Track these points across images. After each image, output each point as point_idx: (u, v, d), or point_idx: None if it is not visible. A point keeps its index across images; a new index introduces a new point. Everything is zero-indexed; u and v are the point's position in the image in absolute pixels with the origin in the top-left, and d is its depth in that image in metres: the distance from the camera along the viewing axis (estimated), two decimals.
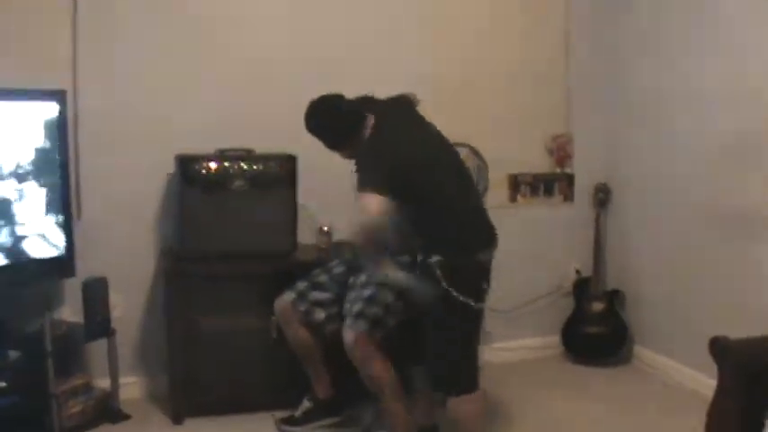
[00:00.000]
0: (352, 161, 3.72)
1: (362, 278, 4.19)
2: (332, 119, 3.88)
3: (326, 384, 4.47)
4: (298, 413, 4.48)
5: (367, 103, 3.90)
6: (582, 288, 5.72)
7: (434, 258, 3.58)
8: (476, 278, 3.67)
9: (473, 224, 3.76)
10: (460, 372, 3.72)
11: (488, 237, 3.76)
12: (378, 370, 3.96)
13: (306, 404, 4.49)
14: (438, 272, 3.56)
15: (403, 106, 3.92)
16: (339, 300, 4.25)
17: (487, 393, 4.02)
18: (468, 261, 3.65)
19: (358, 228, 3.66)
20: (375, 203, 3.49)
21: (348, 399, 4.50)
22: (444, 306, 3.58)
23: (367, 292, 4.09)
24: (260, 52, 4.95)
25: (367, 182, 3.54)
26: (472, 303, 3.59)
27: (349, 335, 3.96)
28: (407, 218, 3.75)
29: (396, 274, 3.73)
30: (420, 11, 5.29)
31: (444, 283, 3.54)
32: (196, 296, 4.52)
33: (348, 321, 4.02)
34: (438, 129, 3.91)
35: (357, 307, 4.05)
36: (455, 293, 3.54)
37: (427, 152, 3.77)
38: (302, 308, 4.30)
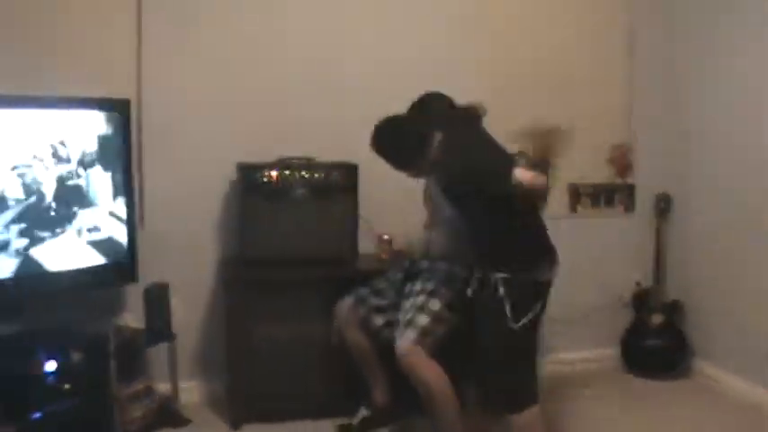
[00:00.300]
0: (420, 179, 3.83)
1: (417, 286, 4.21)
2: (397, 141, 3.90)
3: (384, 390, 4.48)
4: (355, 421, 4.50)
5: (434, 116, 3.91)
6: (642, 299, 5.67)
7: (499, 275, 3.58)
8: (536, 297, 3.66)
9: (539, 242, 3.76)
10: (517, 387, 3.70)
11: (550, 254, 3.75)
12: (427, 379, 3.93)
13: (363, 412, 4.51)
14: (502, 289, 3.57)
15: (470, 120, 3.92)
16: (397, 306, 4.25)
17: (545, 407, 3.99)
18: (531, 278, 3.64)
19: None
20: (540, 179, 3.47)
21: (406, 407, 4.47)
22: (499, 322, 3.58)
23: (419, 300, 4.11)
24: (322, 61, 5.00)
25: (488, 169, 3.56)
26: (526, 327, 3.60)
27: (399, 344, 3.97)
28: (474, 227, 3.77)
29: None
30: (480, 12, 5.31)
31: (507, 303, 3.54)
32: (255, 303, 4.55)
33: (399, 330, 4.03)
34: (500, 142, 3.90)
35: (408, 316, 4.06)
36: (513, 314, 3.55)
37: (497, 163, 3.73)
38: (362, 312, 4.34)
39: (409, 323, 4.02)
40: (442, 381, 3.95)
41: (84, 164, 4.20)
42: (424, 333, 3.99)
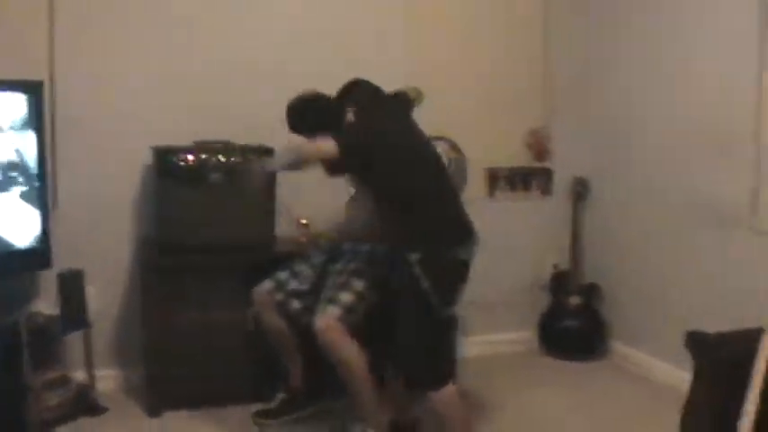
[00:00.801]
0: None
1: (339, 266, 4.23)
2: (309, 116, 3.92)
3: (301, 375, 4.46)
4: (273, 405, 4.48)
5: (351, 94, 3.93)
6: (559, 282, 5.75)
7: (414, 255, 3.58)
8: (454, 276, 3.71)
9: (453, 219, 3.78)
10: (437, 365, 3.73)
11: (467, 233, 3.77)
12: (347, 356, 3.93)
13: (281, 396, 4.49)
14: (417, 269, 3.57)
15: (391, 103, 3.96)
16: (316, 291, 4.23)
17: (464, 387, 4.03)
18: (447, 257, 3.66)
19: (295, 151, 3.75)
20: (329, 145, 3.56)
21: (324, 391, 4.48)
22: (417, 302, 3.60)
23: (341, 279, 4.13)
24: (239, 46, 4.97)
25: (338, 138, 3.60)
26: (445, 307, 3.65)
27: (319, 320, 3.95)
28: (385, 206, 3.80)
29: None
30: (397, 4, 5.32)
31: (424, 283, 3.56)
32: (173, 289, 4.53)
33: (319, 307, 4.03)
34: (418, 126, 3.93)
35: (330, 293, 4.07)
36: (431, 294, 3.57)
37: (407, 141, 3.81)
38: (279, 297, 4.30)
39: (331, 300, 4.02)
40: (360, 359, 3.96)
41: None
42: (346, 310, 4.00)
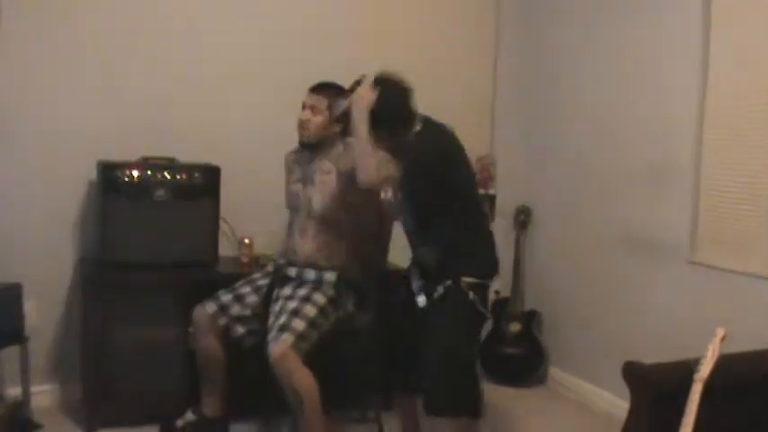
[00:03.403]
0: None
1: (287, 291, 4.18)
2: (401, 101, 3.75)
3: (219, 404, 4.38)
4: (179, 423, 4.39)
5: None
6: (500, 308, 5.71)
7: (467, 280, 3.60)
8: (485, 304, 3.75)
9: (494, 248, 3.87)
10: (468, 393, 3.69)
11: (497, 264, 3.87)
12: (301, 384, 3.90)
13: (189, 416, 4.39)
14: (471, 294, 3.60)
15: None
16: (261, 314, 4.21)
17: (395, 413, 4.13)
18: (488, 284, 3.74)
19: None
20: (383, 164, 3.50)
21: (237, 417, 4.50)
22: (466, 323, 3.64)
23: (292, 305, 4.07)
24: (187, 61, 4.96)
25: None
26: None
27: (274, 347, 3.89)
28: (440, 225, 3.74)
29: None
30: (343, 29, 5.33)
31: (479, 306, 3.61)
32: (113, 305, 4.47)
33: (272, 334, 3.96)
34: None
35: (282, 320, 4.00)
36: (483, 311, 3.65)
37: (467, 164, 3.85)
38: (222, 322, 4.25)
39: (284, 327, 3.96)
40: (313, 388, 3.93)
41: None
42: (300, 338, 3.95)
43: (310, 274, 4.23)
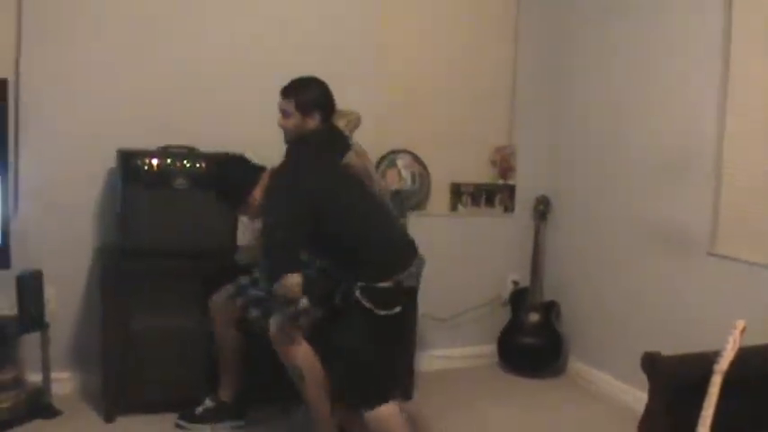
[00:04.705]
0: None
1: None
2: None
3: (235, 388, 4.47)
4: (198, 410, 4.44)
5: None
6: (519, 299, 5.76)
7: (357, 284, 3.69)
8: (396, 298, 3.76)
9: (390, 249, 3.88)
10: (369, 382, 3.78)
11: (407, 258, 3.86)
12: (301, 359, 3.92)
13: (208, 403, 4.46)
14: (357, 293, 3.67)
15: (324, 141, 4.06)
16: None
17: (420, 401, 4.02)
18: (389, 284, 3.73)
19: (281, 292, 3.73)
20: (296, 284, 3.65)
21: (254, 403, 4.55)
22: (353, 314, 3.71)
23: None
24: (206, 50, 4.94)
25: (281, 255, 3.72)
26: (380, 311, 3.70)
27: (273, 322, 3.94)
28: (326, 255, 3.95)
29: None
30: (365, 18, 5.32)
31: (366, 303, 3.67)
32: (133, 293, 4.48)
33: (272, 315, 4.01)
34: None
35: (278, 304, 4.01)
36: (368, 305, 3.67)
37: (331, 184, 3.89)
38: (239, 303, 4.29)
39: (279, 309, 3.95)
40: (313, 364, 3.94)
41: None
42: (292, 318, 3.92)
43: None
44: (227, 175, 4.12)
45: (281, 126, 4.09)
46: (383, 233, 3.93)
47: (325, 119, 4.06)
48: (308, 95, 4.04)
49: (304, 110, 4.01)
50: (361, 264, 3.77)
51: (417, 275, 3.87)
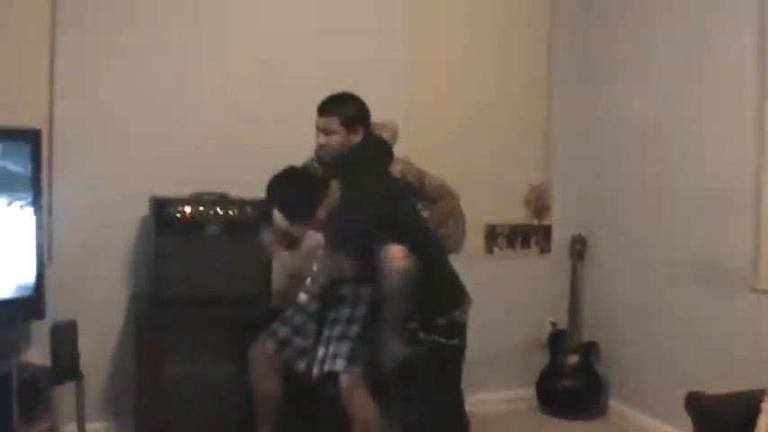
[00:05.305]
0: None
1: (345, 312, 4.10)
2: (290, 190, 3.99)
3: None
4: None
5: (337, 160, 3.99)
6: (557, 340, 5.71)
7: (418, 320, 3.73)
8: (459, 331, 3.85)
9: (455, 281, 3.90)
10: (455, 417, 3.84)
11: (464, 291, 3.90)
12: (372, 417, 3.86)
13: None
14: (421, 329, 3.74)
15: (374, 162, 4.01)
16: (318, 343, 4.11)
17: None
18: (445, 319, 3.78)
19: (391, 286, 3.63)
20: (401, 253, 3.56)
21: None
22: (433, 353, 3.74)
23: (354, 330, 4.01)
24: (236, 96, 4.96)
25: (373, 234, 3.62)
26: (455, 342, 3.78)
27: (345, 380, 3.85)
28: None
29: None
30: (393, 53, 5.32)
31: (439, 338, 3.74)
32: (167, 342, 4.47)
33: (340, 365, 3.89)
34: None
35: (346, 347, 3.94)
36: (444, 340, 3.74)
37: (402, 209, 3.89)
38: (285, 356, 4.18)
39: (352, 357, 3.90)
40: (378, 420, 3.88)
41: None
42: (368, 365, 3.89)
43: (364, 291, 4.08)
44: (295, 188, 4.04)
45: (323, 144, 4.02)
46: (446, 261, 3.93)
47: (367, 132, 4.03)
48: (350, 110, 4.01)
49: (348, 125, 3.98)
50: (426, 293, 3.71)
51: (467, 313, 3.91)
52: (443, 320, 3.75)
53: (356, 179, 3.87)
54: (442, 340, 3.71)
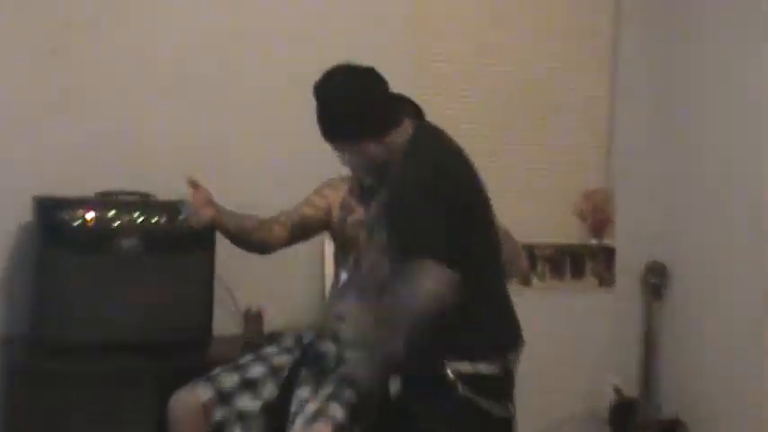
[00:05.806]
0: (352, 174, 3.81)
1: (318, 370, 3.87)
2: (364, 98, 3.54)
3: None
4: None
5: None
6: (624, 415, 5.28)
7: (454, 368, 3.40)
8: (504, 390, 3.57)
9: (509, 310, 3.67)
10: None
11: (519, 335, 3.68)
12: None
13: None
14: (460, 387, 3.39)
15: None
16: (280, 404, 3.84)
17: None
18: (497, 367, 3.50)
19: (408, 315, 3.32)
20: (441, 279, 3.21)
21: None
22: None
23: (326, 388, 3.80)
24: (171, 66, 4.73)
25: (421, 242, 3.27)
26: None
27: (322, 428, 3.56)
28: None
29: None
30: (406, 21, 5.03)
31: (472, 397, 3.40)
32: (54, 403, 4.07)
33: (301, 422, 3.66)
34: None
35: (315, 405, 3.72)
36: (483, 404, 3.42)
37: (480, 194, 3.58)
38: (218, 416, 3.79)
39: (319, 413, 3.67)
40: None
41: None
42: (338, 428, 3.63)
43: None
44: (358, 87, 3.57)
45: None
46: (502, 285, 3.68)
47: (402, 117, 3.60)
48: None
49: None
50: (464, 327, 3.39)
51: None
52: (492, 367, 3.48)
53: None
54: (486, 403, 3.43)
